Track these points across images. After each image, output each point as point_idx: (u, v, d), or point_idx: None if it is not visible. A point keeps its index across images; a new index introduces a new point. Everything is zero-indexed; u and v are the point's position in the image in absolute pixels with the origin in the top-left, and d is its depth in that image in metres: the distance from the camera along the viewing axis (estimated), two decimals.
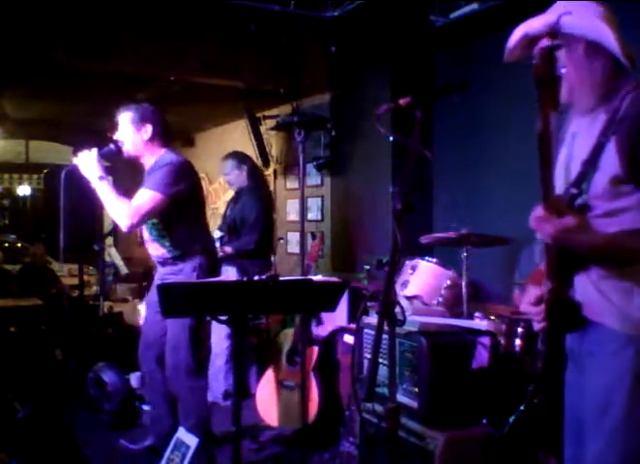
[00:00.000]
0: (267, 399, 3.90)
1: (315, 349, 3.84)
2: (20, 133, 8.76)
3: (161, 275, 3.39)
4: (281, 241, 6.04)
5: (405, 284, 3.61)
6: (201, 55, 5.07)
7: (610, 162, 1.63)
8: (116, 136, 3.34)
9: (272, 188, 6.71)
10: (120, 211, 3.13)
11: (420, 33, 4.71)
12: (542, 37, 1.65)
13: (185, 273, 3.28)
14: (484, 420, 2.75)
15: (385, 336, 1.93)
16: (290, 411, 3.74)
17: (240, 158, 4.85)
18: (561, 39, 1.69)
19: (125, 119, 3.32)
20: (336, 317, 4.20)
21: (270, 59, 5.24)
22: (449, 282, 3.61)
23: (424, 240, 3.78)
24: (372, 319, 2.92)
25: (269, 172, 6.70)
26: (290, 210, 6.41)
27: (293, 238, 6.08)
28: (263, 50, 5.18)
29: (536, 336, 1.89)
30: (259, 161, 6.46)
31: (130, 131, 3.31)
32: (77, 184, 3.18)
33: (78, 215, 3.33)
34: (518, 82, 3.26)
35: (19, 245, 9.90)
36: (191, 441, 2.99)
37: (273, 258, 5.16)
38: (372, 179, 5.20)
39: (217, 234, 4.65)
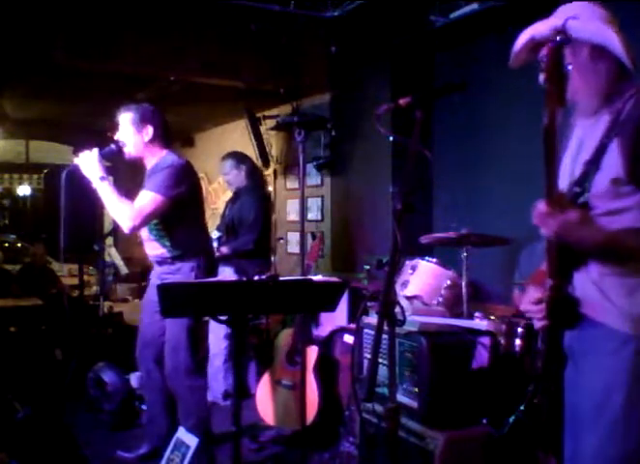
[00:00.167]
0: (267, 399, 3.90)
1: (315, 349, 3.84)
2: (20, 133, 8.76)
3: (159, 274, 3.39)
4: (281, 241, 6.05)
5: (405, 284, 3.61)
6: (201, 55, 5.07)
7: (612, 163, 1.65)
8: (117, 137, 3.34)
9: (272, 188, 6.71)
10: (122, 213, 3.14)
11: (420, 33, 4.71)
12: (548, 41, 1.66)
13: (182, 272, 3.28)
14: (484, 420, 2.74)
15: (385, 336, 1.93)
16: (290, 411, 3.74)
17: (239, 158, 4.85)
18: (569, 42, 1.70)
19: (125, 120, 3.32)
20: (336, 317, 4.20)
21: (270, 59, 5.24)
22: (449, 282, 3.61)
23: (424, 240, 3.78)
24: (372, 319, 2.92)
25: (269, 172, 6.70)
26: (290, 210, 6.41)
27: (293, 238, 6.08)
28: (263, 50, 5.18)
29: (536, 336, 1.89)
30: (259, 161, 6.46)
31: (130, 132, 3.30)
32: (78, 184, 3.18)
33: (79, 215, 3.33)
34: (518, 82, 3.27)
35: (19, 245, 9.90)
36: (191, 441, 2.99)
37: (273, 258, 5.17)
38: (372, 179, 5.20)
39: (215, 234, 4.65)
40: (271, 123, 6.20)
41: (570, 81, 1.73)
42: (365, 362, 3.02)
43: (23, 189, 12.36)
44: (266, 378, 3.97)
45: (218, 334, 4.50)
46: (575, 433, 1.76)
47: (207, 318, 3.92)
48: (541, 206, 1.65)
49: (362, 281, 4.40)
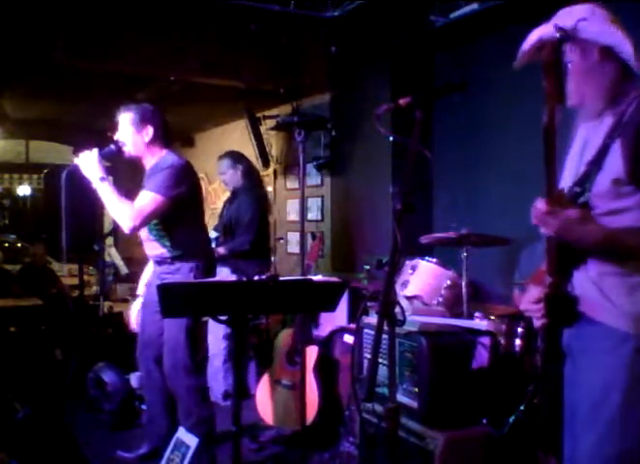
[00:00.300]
0: (267, 399, 3.90)
1: (315, 349, 3.84)
2: (20, 133, 8.76)
3: (158, 274, 3.39)
4: (281, 241, 6.05)
5: (405, 284, 3.62)
6: (201, 55, 5.07)
7: (614, 164, 1.66)
8: (117, 137, 3.34)
9: (272, 188, 6.71)
10: (122, 213, 3.14)
11: (420, 33, 4.71)
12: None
13: (182, 272, 3.28)
14: (484, 420, 2.75)
15: (385, 336, 1.93)
16: (290, 411, 3.74)
17: (235, 157, 4.83)
18: (577, 44, 1.71)
19: (125, 120, 3.31)
20: (336, 317, 4.20)
21: (270, 59, 5.24)
22: (449, 282, 3.61)
23: (424, 240, 3.78)
24: (372, 319, 2.92)
25: (269, 172, 6.70)
26: (290, 210, 6.41)
27: (293, 238, 6.09)
28: (263, 50, 5.18)
29: (536, 336, 1.90)
30: (259, 161, 6.46)
31: (130, 133, 3.30)
32: (78, 184, 3.18)
33: (79, 215, 3.33)
34: (518, 82, 3.27)
35: (19, 245, 9.89)
36: (191, 441, 2.99)
37: (273, 258, 5.17)
38: (372, 179, 5.20)
39: (212, 234, 4.63)
40: (271, 123, 6.20)
41: (577, 83, 1.74)
42: (365, 362, 3.02)
43: (23, 189, 12.35)
44: (266, 378, 3.97)
45: (216, 335, 4.50)
46: (574, 432, 1.76)
47: (206, 318, 3.93)
48: (541, 205, 1.65)
49: (362, 281, 4.40)
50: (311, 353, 3.78)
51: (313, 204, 5.96)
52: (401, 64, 4.99)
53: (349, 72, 5.41)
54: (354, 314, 4.31)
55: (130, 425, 4.11)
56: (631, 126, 1.64)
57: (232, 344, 4.34)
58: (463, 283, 3.52)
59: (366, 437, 2.83)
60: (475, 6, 4.21)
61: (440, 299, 3.58)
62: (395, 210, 1.90)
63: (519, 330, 3.04)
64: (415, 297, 3.57)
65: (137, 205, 3.15)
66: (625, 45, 1.69)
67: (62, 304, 5.37)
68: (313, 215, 5.96)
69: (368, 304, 3.03)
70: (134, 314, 3.64)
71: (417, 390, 2.73)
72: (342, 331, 3.99)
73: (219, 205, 7.15)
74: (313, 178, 5.86)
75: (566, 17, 1.74)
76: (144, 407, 4.09)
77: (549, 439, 1.85)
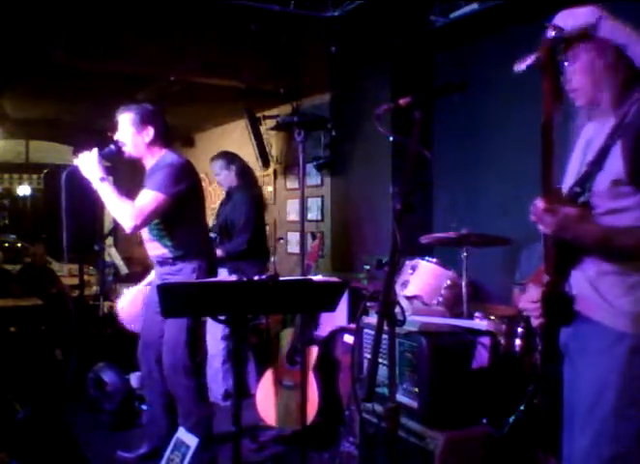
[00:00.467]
0: (267, 399, 3.90)
1: (315, 349, 3.84)
2: (20, 133, 8.75)
3: (160, 274, 3.39)
4: (281, 241, 6.04)
5: (405, 284, 3.61)
6: (201, 55, 5.07)
7: (614, 164, 1.66)
8: (117, 137, 3.33)
9: (272, 187, 6.71)
10: (123, 212, 3.13)
11: (420, 33, 4.71)
12: (576, 37, 1.66)
13: (184, 273, 3.28)
14: (484, 420, 2.75)
15: (385, 336, 1.93)
16: (290, 411, 3.74)
17: (229, 158, 4.82)
18: (594, 42, 1.71)
19: (125, 120, 3.31)
20: (336, 317, 4.20)
21: (270, 59, 5.23)
22: (449, 282, 3.61)
23: (424, 240, 3.78)
24: (372, 319, 2.92)
25: (269, 172, 6.70)
26: (290, 210, 6.41)
27: (293, 238, 6.08)
28: (263, 50, 5.18)
29: (535, 336, 1.90)
30: (259, 161, 6.46)
31: (131, 133, 3.30)
32: (78, 184, 3.18)
33: (79, 215, 3.32)
34: (518, 82, 3.26)
35: (19, 245, 9.88)
36: (191, 441, 2.99)
37: (272, 258, 5.16)
38: (372, 179, 5.20)
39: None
40: (271, 123, 6.20)
41: (589, 82, 1.73)
42: (365, 362, 3.02)
43: (23, 189, 12.34)
44: (266, 378, 3.97)
45: (215, 336, 4.49)
46: (572, 432, 1.77)
47: (205, 319, 3.93)
48: (539, 202, 1.65)
49: (362, 281, 4.40)
50: (312, 353, 3.78)
51: (313, 204, 5.96)
52: (401, 64, 4.99)
53: (349, 72, 5.41)
54: (354, 314, 4.31)
55: (130, 425, 4.12)
56: (632, 127, 1.65)
57: (232, 344, 4.34)
58: (463, 283, 3.52)
59: (366, 437, 2.83)
60: (475, 6, 4.21)
61: (440, 299, 3.58)
62: (395, 210, 1.90)
63: (519, 330, 3.04)
64: (415, 297, 3.57)
65: (138, 204, 3.15)
66: (636, 46, 1.70)
67: (62, 304, 5.36)
68: (313, 215, 5.96)
69: (368, 304, 3.03)
70: (122, 305, 3.63)
71: (417, 390, 2.73)
72: (342, 331, 3.99)
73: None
74: (313, 178, 5.86)
75: (567, 19, 1.74)
76: (144, 407, 4.09)
77: (549, 439, 1.85)
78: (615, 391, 1.64)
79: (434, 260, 3.71)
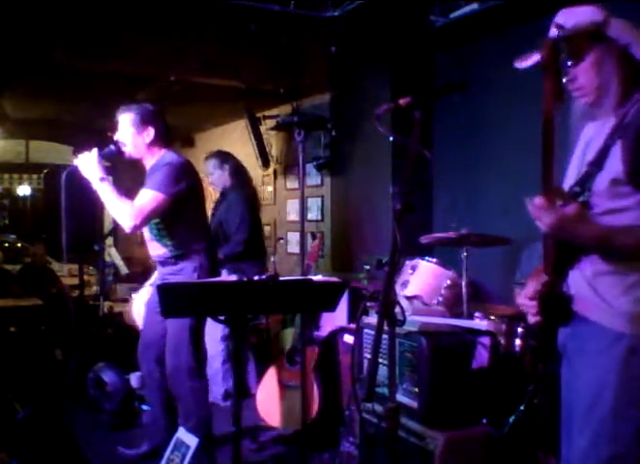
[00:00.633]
0: (267, 399, 3.90)
1: (315, 349, 3.84)
2: (20, 133, 8.75)
3: (162, 274, 3.39)
4: (281, 241, 6.05)
5: (405, 284, 3.62)
6: (201, 55, 5.07)
7: (614, 164, 1.66)
8: (117, 137, 3.33)
9: (272, 187, 6.71)
10: (123, 212, 3.13)
11: (420, 33, 4.71)
12: (583, 35, 1.66)
13: (185, 272, 3.28)
14: (484, 420, 2.75)
15: (385, 336, 1.93)
16: (290, 411, 3.74)
17: (222, 157, 4.78)
18: (603, 40, 1.70)
19: (126, 121, 3.30)
20: (336, 317, 4.20)
21: (270, 59, 5.24)
22: (449, 282, 3.61)
23: (424, 240, 3.78)
24: (372, 319, 2.92)
25: (269, 172, 6.70)
26: (290, 210, 6.41)
27: (293, 238, 6.09)
28: (263, 50, 5.18)
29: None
30: (259, 161, 6.46)
31: (131, 134, 3.29)
32: (78, 184, 3.18)
33: (79, 215, 3.33)
34: (518, 82, 3.26)
35: (19, 245, 9.88)
36: (191, 441, 2.98)
37: (272, 258, 5.16)
38: (372, 179, 5.20)
39: None
40: (271, 123, 6.20)
41: (596, 80, 1.72)
42: (365, 362, 3.01)
43: (23, 189, 12.34)
44: (266, 378, 3.97)
45: (214, 337, 4.48)
46: (570, 433, 1.77)
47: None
48: (538, 200, 1.65)
49: (362, 281, 4.40)
50: (312, 353, 3.78)
51: (313, 204, 5.96)
52: (401, 64, 4.99)
53: (349, 72, 5.41)
54: (354, 314, 4.31)
55: (131, 425, 4.11)
56: (632, 128, 1.64)
57: (232, 344, 4.34)
58: (463, 283, 3.52)
59: (366, 437, 2.83)
60: (475, 6, 4.21)
61: (440, 299, 3.58)
62: (395, 210, 1.90)
63: (519, 330, 3.04)
64: (415, 297, 3.57)
65: (137, 203, 3.15)
66: (639, 45, 1.69)
67: (62, 304, 5.36)
68: (313, 215, 5.96)
69: (368, 304, 3.03)
70: (137, 309, 3.62)
71: (417, 390, 2.73)
72: (342, 331, 3.99)
73: None
74: (313, 178, 5.86)
75: (569, 17, 1.74)
76: (144, 407, 4.09)
77: (549, 439, 1.85)
78: (613, 392, 1.64)
79: (434, 260, 3.71)
